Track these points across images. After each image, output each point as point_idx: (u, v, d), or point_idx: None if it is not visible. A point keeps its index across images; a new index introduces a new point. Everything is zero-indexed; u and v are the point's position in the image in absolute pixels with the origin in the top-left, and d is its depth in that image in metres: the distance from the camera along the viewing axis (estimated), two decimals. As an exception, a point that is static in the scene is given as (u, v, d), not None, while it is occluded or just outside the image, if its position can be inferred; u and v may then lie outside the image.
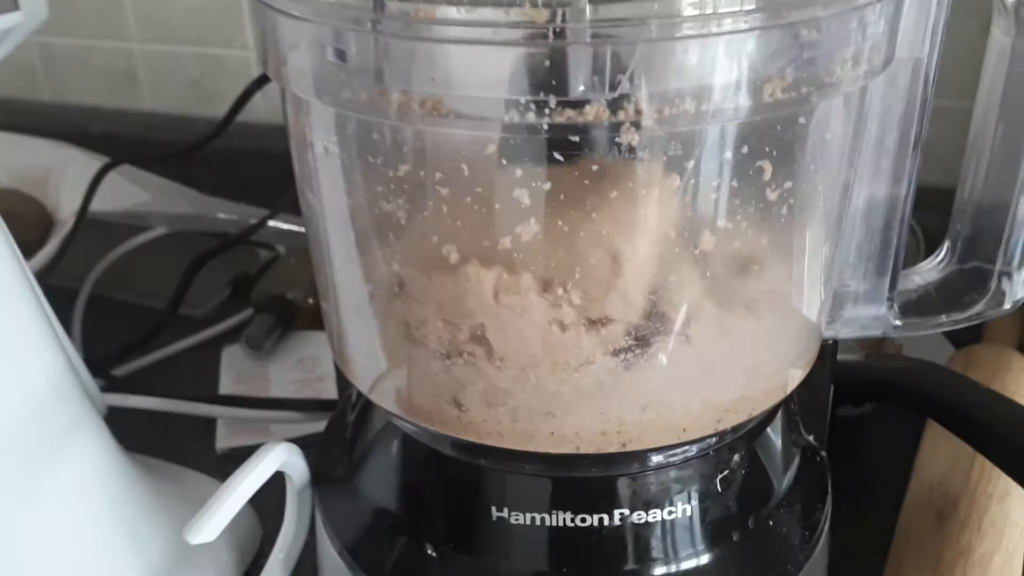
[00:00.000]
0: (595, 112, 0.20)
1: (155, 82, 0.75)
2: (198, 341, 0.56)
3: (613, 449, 0.25)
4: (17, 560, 0.32)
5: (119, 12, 0.74)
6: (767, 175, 0.23)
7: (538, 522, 0.27)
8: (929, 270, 0.33)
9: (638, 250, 0.23)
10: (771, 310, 0.26)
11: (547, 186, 0.22)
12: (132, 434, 0.47)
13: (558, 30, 0.20)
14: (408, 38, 0.21)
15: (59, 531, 0.33)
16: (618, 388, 0.24)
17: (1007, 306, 0.31)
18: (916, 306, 0.32)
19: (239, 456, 0.46)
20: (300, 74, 0.24)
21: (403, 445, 0.29)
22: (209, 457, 0.47)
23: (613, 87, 0.20)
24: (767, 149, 0.23)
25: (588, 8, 0.20)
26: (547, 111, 0.20)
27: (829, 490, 0.32)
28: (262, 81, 0.53)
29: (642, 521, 0.27)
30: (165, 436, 0.48)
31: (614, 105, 0.20)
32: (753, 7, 0.20)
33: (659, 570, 0.27)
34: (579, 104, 0.20)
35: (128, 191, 0.64)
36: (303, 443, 0.32)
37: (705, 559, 0.27)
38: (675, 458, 0.27)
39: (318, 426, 0.35)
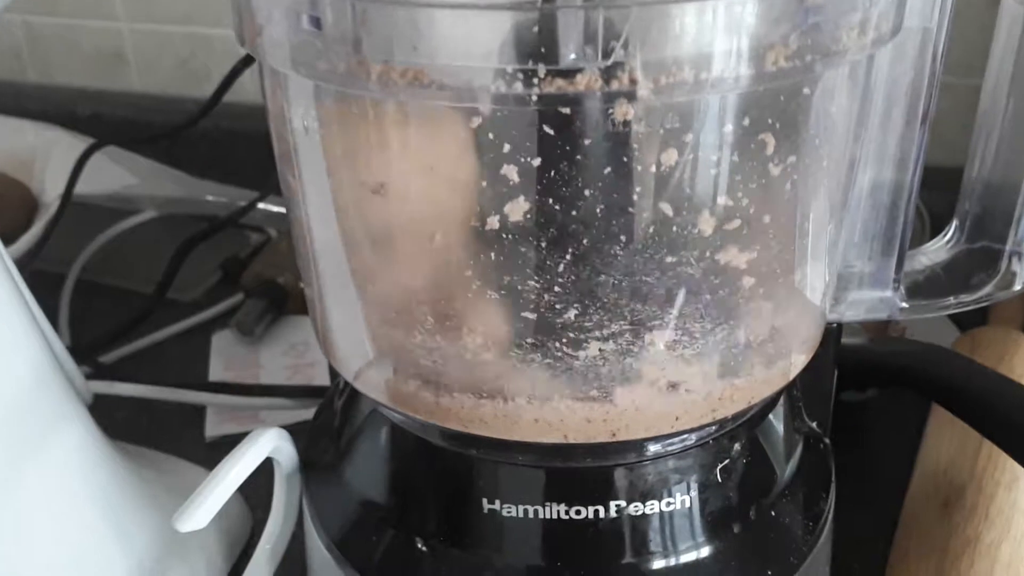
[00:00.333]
0: (587, 82, 0.19)
1: (143, 62, 0.74)
2: (187, 327, 0.56)
3: (603, 438, 0.24)
4: (0, 554, 0.31)
5: (106, -9, 0.73)
6: (770, 149, 0.22)
7: (531, 514, 0.26)
8: (936, 250, 0.32)
9: (633, 229, 0.22)
10: (773, 292, 0.25)
11: (537, 162, 0.21)
12: (119, 422, 0.47)
13: (547, -7, 0.19)
14: (388, 3, 0.20)
15: (43, 524, 0.33)
16: (607, 373, 0.23)
17: (1017, 287, 0.30)
18: (923, 288, 0.31)
19: (229, 444, 0.46)
20: (276, 45, 0.23)
21: (391, 435, 0.28)
22: (198, 445, 0.47)
23: (606, 55, 0.19)
24: (770, 122, 0.22)
25: (579, -30, 0.18)
26: (536, 81, 0.19)
27: (833, 478, 0.31)
28: (250, 60, 0.52)
29: (639, 513, 0.26)
30: (153, 423, 0.48)
31: (607, 74, 0.19)
32: (755, -32, 0.19)
33: (657, 563, 0.26)
34: (570, 73, 0.19)
35: (115, 173, 0.63)
36: (294, 430, 0.31)
37: (705, 552, 0.26)
38: (673, 447, 0.26)
39: (309, 413, 0.35)
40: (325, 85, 0.22)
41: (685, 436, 0.26)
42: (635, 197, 0.22)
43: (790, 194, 0.23)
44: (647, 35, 0.19)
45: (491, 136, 0.21)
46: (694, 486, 0.27)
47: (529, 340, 0.23)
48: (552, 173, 0.21)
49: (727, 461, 0.27)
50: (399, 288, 0.24)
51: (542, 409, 0.24)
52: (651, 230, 0.22)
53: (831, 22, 0.21)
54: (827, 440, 0.32)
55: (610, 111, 0.20)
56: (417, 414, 0.25)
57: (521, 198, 0.21)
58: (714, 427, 0.26)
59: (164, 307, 0.54)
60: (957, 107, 0.44)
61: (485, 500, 0.26)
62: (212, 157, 0.65)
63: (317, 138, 0.24)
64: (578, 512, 0.26)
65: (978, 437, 0.37)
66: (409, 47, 0.20)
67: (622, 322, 0.23)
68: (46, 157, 0.62)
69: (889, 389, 0.44)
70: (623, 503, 0.26)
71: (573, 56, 0.19)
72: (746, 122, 0.21)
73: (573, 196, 0.21)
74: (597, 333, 0.23)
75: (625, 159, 0.21)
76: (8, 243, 0.49)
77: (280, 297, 0.55)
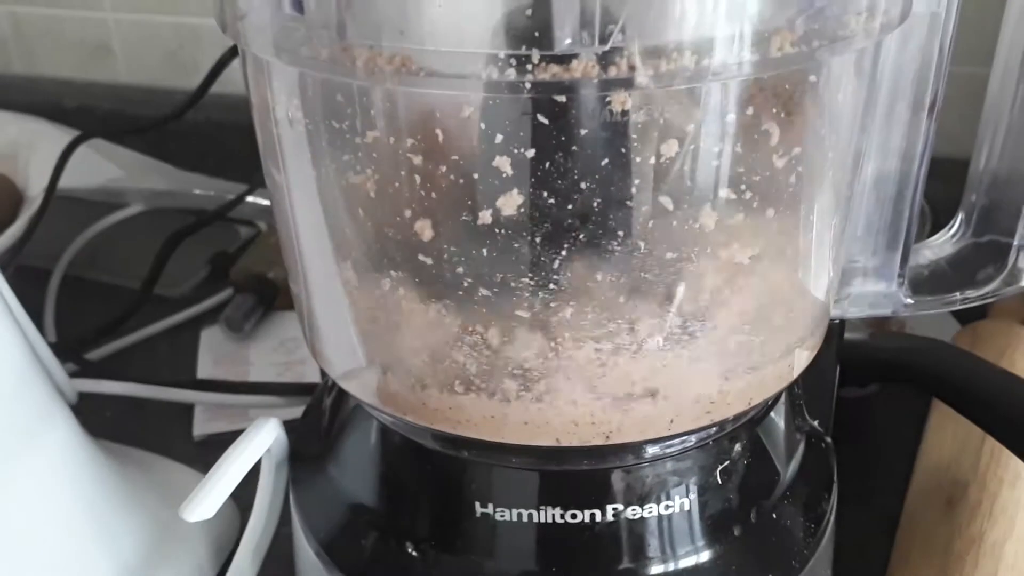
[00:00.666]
0: (583, 68, 0.18)
1: (130, 53, 0.73)
2: (176, 323, 0.55)
3: (597, 441, 0.23)
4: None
5: (92, -20, 0.72)
6: (774, 140, 0.21)
7: (525, 518, 0.25)
8: (941, 244, 0.31)
9: (631, 224, 0.21)
10: (776, 289, 0.24)
11: (531, 153, 0.20)
12: (106, 420, 0.46)
13: (541, -25, 0.18)
14: (373, -15, 0.19)
15: (23, 526, 0.32)
16: (600, 375, 0.23)
17: (1025, 282, 0.29)
18: (928, 283, 0.30)
19: (217, 442, 0.46)
20: (258, 31, 0.22)
21: (381, 435, 0.28)
22: (186, 443, 0.46)
23: (603, 39, 0.18)
24: (774, 111, 0.21)
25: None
26: (530, 67, 0.18)
27: (835, 479, 0.30)
28: (238, 50, 0.51)
29: (637, 516, 0.25)
30: (141, 422, 0.47)
31: (604, 60, 0.18)
32: (759, -51, 0.18)
33: (656, 569, 0.25)
34: (565, 59, 0.18)
35: (102, 167, 0.62)
36: (284, 429, 0.30)
37: (705, 556, 0.26)
38: (672, 449, 0.25)
39: (299, 411, 0.35)
40: (309, 73, 0.22)
41: (684, 437, 0.25)
42: (633, 190, 0.21)
43: (795, 187, 0.22)
44: (646, 19, 0.18)
45: (483, 126, 0.20)
46: (693, 488, 0.26)
47: (522, 339, 0.22)
48: (547, 165, 0.20)
49: (727, 462, 0.26)
50: (387, 286, 0.23)
51: (529, 411, 0.23)
52: (650, 225, 0.21)
53: (838, 6, 0.20)
54: (828, 439, 0.32)
55: (607, 99, 0.19)
56: (405, 415, 0.25)
57: (514, 191, 0.21)
58: (714, 428, 0.26)
59: (152, 303, 0.54)
60: (958, 96, 0.43)
61: (477, 503, 0.25)
62: (201, 150, 0.65)
63: (302, 129, 0.23)
64: (574, 516, 0.25)
65: (980, 434, 0.36)
66: (396, 32, 0.19)
67: (619, 320, 0.22)
68: (30, 150, 0.61)
69: (889, 385, 0.44)
70: (620, 506, 0.25)
71: (569, 41, 0.18)
72: (749, 111, 0.21)
73: (569, 189, 0.21)
74: (593, 332, 0.22)
75: (623, 150, 0.20)
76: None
77: (270, 292, 0.54)
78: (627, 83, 0.19)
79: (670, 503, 0.25)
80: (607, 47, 0.18)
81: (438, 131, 0.20)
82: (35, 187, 0.58)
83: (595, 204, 0.21)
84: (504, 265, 0.21)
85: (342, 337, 0.26)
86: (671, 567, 0.25)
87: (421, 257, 0.22)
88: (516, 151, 0.20)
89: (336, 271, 0.25)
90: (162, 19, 0.71)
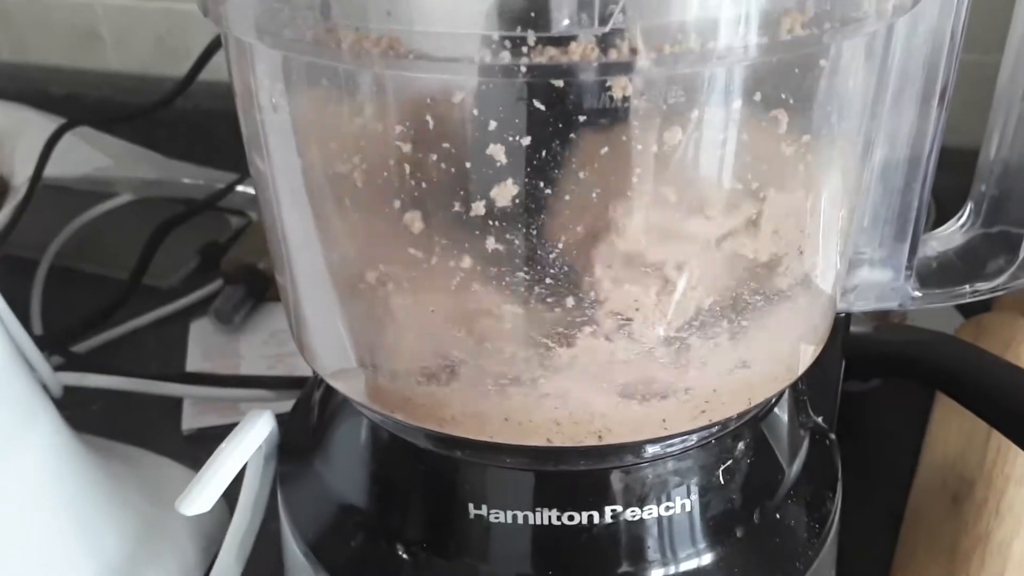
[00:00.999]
0: (582, 51, 0.18)
1: (119, 40, 0.72)
2: (165, 314, 0.55)
3: (589, 441, 0.22)
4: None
5: (79, -35, 0.71)
6: (782, 128, 0.20)
7: (520, 520, 0.24)
8: (949, 235, 0.30)
9: (632, 215, 0.20)
10: (781, 282, 0.23)
11: (526, 141, 0.19)
12: (94, 414, 0.46)
13: (537, -49, 0.17)
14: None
15: (3, 526, 0.32)
16: (592, 371, 0.22)
17: (1037, 274, 0.29)
18: (936, 275, 0.30)
19: (207, 437, 0.45)
20: (240, 13, 0.21)
21: (371, 433, 0.27)
22: (175, 438, 0.46)
23: (603, 20, 0.17)
24: (783, 97, 0.20)
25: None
26: (525, 50, 0.18)
27: (839, 477, 0.29)
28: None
29: (636, 518, 0.24)
30: (128, 416, 0.47)
31: (604, 42, 0.18)
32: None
33: (655, 572, 0.25)
34: (563, 41, 0.17)
35: (90, 155, 0.62)
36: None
37: (706, 559, 0.25)
38: (673, 448, 0.24)
39: (290, 405, 0.33)
40: (293, 56, 0.21)
41: (686, 436, 0.24)
42: (634, 180, 0.20)
43: (803, 176, 0.21)
44: (649, -1, 0.17)
45: (476, 112, 0.19)
46: (695, 488, 0.25)
47: (513, 336, 0.21)
48: (543, 153, 0.19)
49: (730, 461, 0.26)
50: (375, 278, 0.22)
51: (515, 409, 0.22)
52: (652, 216, 0.20)
53: (851, -15, 0.19)
54: (833, 435, 0.31)
55: (607, 84, 0.18)
56: (393, 413, 0.24)
57: (509, 181, 0.20)
58: (716, 426, 0.25)
59: (140, 294, 0.53)
60: (967, 84, 0.42)
61: (471, 505, 0.25)
62: (190, 138, 0.64)
63: (286, 116, 0.22)
64: (571, 518, 0.24)
65: (986, 429, 0.36)
66: (383, 12, 0.18)
67: (618, 316, 0.21)
68: (16, 138, 0.59)
69: (892, 379, 0.43)
70: (619, 508, 0.24)
71: (567, 22, 0.17)
72: (757, 97, 0.20)
73: (566, 179, 0.20)
74: (590, 328, 0.21)
75: (624, 138, 0.19)
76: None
77: (261, 283, 0.53)
78: (628, 67, 0.18)
79: (671, 504, 0.25)
80: (607, 28, 0.17)
81: (428, 118, 0.19)
82: (20, 176, 0.57)
83: (594, 195, 0.20)
84: (497, 259, 0.20)
85: (329, 330, 0.25)
86: (671, 570, 0.25)
87: (411, 250, 0.21)
88: (511, 139, 0.19)
89: (323, 263, 0.24)
90: (151, 5, 0.70)
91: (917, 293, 0.29)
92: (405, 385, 0.23)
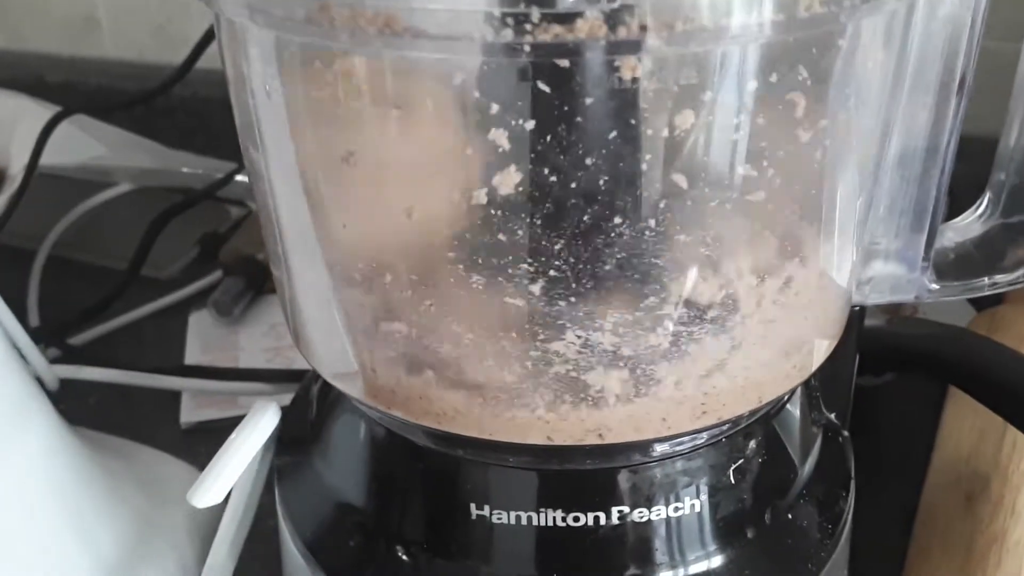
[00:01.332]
0: (589, 28, 0.17)
1: (117, 27, 0.72)
2: (163, 306, 0.54)
3: (590, 440, 0.22)
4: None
5: (77, -49, 0.70)
6: (799, 111, 0.19)
7: (524, 521, 0.24)
8: (967, 225, 0.29)
9: (640, 203, 0.19)
10: (795, 274, 0.22)
11: (530, 125, 0.18)
12: (91, 407, 0.45)
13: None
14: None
15: None
16: (596, 368, 0.21)
17: (1059, 266, 0.28)
18: (954, 267, 0.29)
19: (205, 431, 0.44)
20: (230, -9, 0.20)
21: (369, 431, 0.26)
22: (173, 432, 0.45)
23: (611, -5, 0.16)
24: (800, 78, 0.19)
25: None
26: (529, 27, 0.17)
27: (852, 475, 0.28)
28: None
29: (644, 519, 0.24)
30: (126, 409, 0.47)
31: (612, 19, 0.17)
32: None
33: (664, 574, 0.24)
34: (569, 18, 0.17)
35: (87, 144, 0.61)
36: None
37: (716, 561, 0.24)
38: (683, 447, 0.24)
39: (289, 398, 0.33)
40: (285, 36, 0.20)
41: (695, 435, 0.24)
42: (644, 166, 0.19)
43: (820, 163, 0.21)
44: (660, -28, 0.16)
45: (477, 94, 0.18)
46: (705, 488, 0.24)
47: (518, 330, 0.20)
48: (548, 138, 0.19)
49: (741, 460, 0.25)
50: (373, 270, 0.21)
51: (513, 405, 0.22)
52: (662, 204, 0.20)
53: (872, -39, 0.18)
54: (846, 432, 0.30)
55: (616, 64, 0.18)
56: (391, 409, 0.23)
57: (512, 168, 0.19)
58: (726, 424, 0.24)
59: (138, 285, 0.53)
60: (983, 71, 0.41)
61: (473, 505, 0.24)
62: (189, 127, 0.63)
63: (280, 101, 0.21)
64: (576, 519, 0.23)
65: (1001, 424, 0.35)
66: (379, -13, 0.17)
67: (626, 310, 0.20)
68: (12, 126, 0.59)
69: (905, 373, 0.42)
70: (626, 508, 0.24)
71: (573, -3, 0.16)
72: (773, 79, 0.19)
73: (572, 165, 0.19)
74: (594, 323, 0.20)
75: (632, 121, 0.19)
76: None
77: (260, 275, 0.53)
78: (637, 46, 0.17)
79: (679, 505, 0.24)
80: (615, 5, 0.17)
81: (427, 100, 0.19)
82: (16, 165, 0.57)
83: (601, 182, 0.19)
84: (500, 250, 0.20)
85: (325, 324, 0.24)
86: (680, 573, 0.24)
87: (409, 240, 0.20)
88: (514, 123, 0.18)
89: (319, 254, 0.23)
90: (150, -10, 0.69)
91: (934, 285, 0.28)
92: (402, 380, 0.23)
